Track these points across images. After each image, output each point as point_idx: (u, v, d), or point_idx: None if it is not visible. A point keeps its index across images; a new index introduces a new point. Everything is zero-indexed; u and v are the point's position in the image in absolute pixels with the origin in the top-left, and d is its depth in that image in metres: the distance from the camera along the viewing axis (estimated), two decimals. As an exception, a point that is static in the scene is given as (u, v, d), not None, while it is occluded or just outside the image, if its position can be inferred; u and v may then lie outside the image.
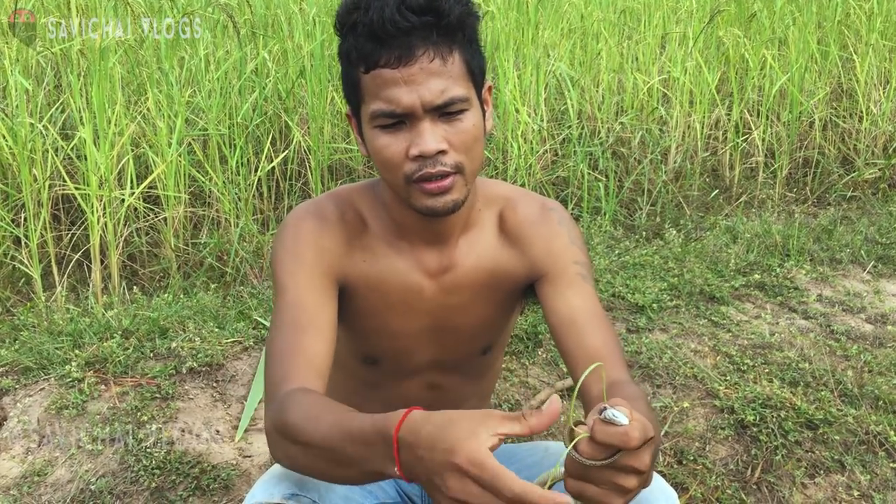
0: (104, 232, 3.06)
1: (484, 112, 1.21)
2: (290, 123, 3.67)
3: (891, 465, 2.20)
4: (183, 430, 2.18)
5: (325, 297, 1.23)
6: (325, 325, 1.20)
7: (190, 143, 3.48)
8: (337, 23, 1.17)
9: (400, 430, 0.86)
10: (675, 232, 3.65)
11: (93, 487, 1.97)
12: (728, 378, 2.48)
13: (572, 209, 3.80)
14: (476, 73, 1.18)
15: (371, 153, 1.19)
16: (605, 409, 0.84)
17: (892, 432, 2.26)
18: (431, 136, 1.13)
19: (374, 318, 1.33)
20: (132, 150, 3.29)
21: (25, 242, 2.99)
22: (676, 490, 2.04)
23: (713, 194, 4.13)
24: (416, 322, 1.34)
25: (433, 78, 1.12)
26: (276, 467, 1.22)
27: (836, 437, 2.25)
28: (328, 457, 0.97)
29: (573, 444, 0.85)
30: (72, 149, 3.25)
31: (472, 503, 0.80)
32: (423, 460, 0.83)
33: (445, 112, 1.14)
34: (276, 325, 1.20)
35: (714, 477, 2.11)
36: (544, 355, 2.61)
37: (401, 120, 1.14)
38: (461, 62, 1.15)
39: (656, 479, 1.24)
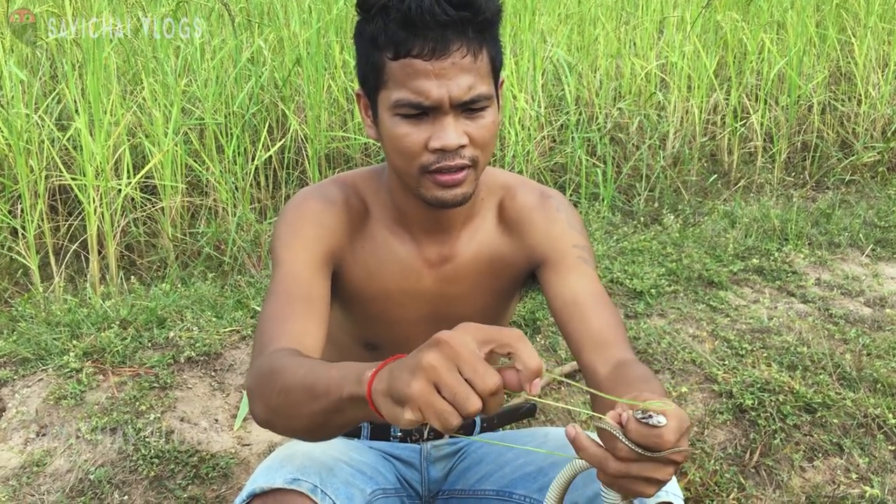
0: (101, 222, 3.05)
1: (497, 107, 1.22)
2: (287, 112, 3.66)
3: (889, 447, 2.20)
4: (181, 420, 2.18)
5: (319, 274, 1.23)
6: (317, 299, 1.20)
7: (186, 133, 3.47)
8: (362, 1, 1.15)
9: (389, 363, 0.86)
10: (673, 217, 3.65)
11: (92, 477, 1.97)
12: (726, 363, 2.48)
13: (570, 195, 3.79)
14: (497, 71, 1.19)
15: (386, 139, 1.18)
16: (649, 416, 0.83)
17: (890, 415, 2.27)
18: (454, 130, 1.13)
19: (372, 305, 1.34)
20: (128, 140, 3.29)
21: (22, 233, 2.99)
22: (675, 474, 2.04)
23: (711, 179, 4.12)
24: (415, 311, 1.34)
25: (463, 74, 1.12)
26: (277, 454, 1.22)
27: (835, 421, 2.26)
28: (307, 389, 0.96)
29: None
30: (68, 139, 3.25)
31: (444, 381, 0.78)
32: (403, 363, 0.82)
33: (469, 108, 1.14)
34: (270, 293, 1.21)
35: (713, 461, 2.11)
36: (542, 341, 2.61)
37: (424, 112, 1.13)
38: (488, 59, 1.16)
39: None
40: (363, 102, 1.23)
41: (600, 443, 0.87)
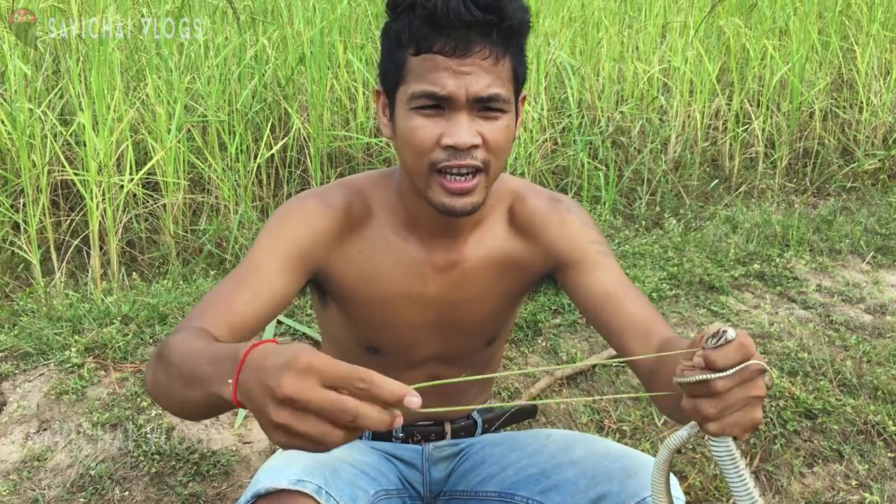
0: (103, 218, 3.05)
1: (516, 120, 1.22)
2: (290, 110, 3.66)
3: (889, 454, 2.21)
4: (183, 417, 2.18)
5: (286, 271, 1.22)
6: (268, 294, 1.19)
7: (189, 130, 3.47)
8: (391, 1, 1.16)
9: (252, 351, 0.81)
10: (674, 221, 3.65)
11: (92, 472, 1.97)
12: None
13: (572, 198, 3.79)
14: (518, 82, 1.19)
15: (400, 135, 1.18)
16: (721, 335, 0.83)
17: (890, 422, 2.27)
18: (467, 128, 1.13)
19: (371, 307, 1.33)
20: (131, 136, 3.28)
21: (24, 228, 2.98)
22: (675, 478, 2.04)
23: (713, 184, 4.13)
24: (420, 315, 1.34)
25: (483, 73, 1.12)
26: (280, 454, 1.22)
27: (835, 427, 2.26)
28: (183, 375, 0.94)
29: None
30: (70, 134, 3.24)
31: (303, 398, 0.74)
32: (263, 370, 0.78)
33: (485, 108, 1.14)
34: (228, 275, 1.21)
35: (712, 466, 2.12)
36: (544, 343, 2.61)
37: (439, 106, 1.13)
38: (510, 67, 1.16)
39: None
40: (382, 101, 1.23)
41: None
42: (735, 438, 0.86)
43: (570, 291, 1.31)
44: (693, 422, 0.91)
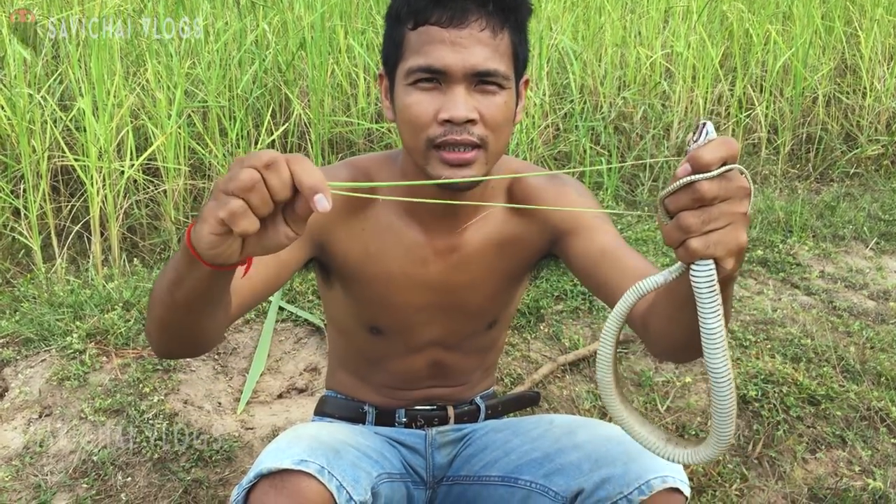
0: (104, 204, 3.04)
1: (517, 102, 1.21)
2: (291, 96, 3.64)
3: (892, 440, 2.20)
4: (185, 402, 2.17)
5: (291, 247, 1.20)
6: (273, 260, 1.19)
7: (189, 115, 3.45)
8: None
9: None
10: (677, 207, 3.64)
11: (95, 458, 1.97)
12: (730, 353, 2.48)
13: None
14: (519, 61, 1.19)
15: (398, 112, 1.18)
16: (703, 124, 0.81)
17: (893, 408, 2.27)
18: (464, 103, 1.12)
19: (373, 286, 1.33)
20: (131, 122, 3.27)
21: (25, 214, 2.97)
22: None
23: (715, 170, 4.11)
24: (421, 297, 1.34)
25: (480, 45, 1.12)
26: (283, 436, 1.22)
27: (838, 413, 2.26)
28: (159, 282, 0.97)
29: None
30: (71, 120, 3.23)
31: (237, 180, 0.76)
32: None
33: (482, 82, 1.13)
34: None
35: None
36: (546, 329, 2.60)
37: (436, 79, 1.13)
38: (509, 43, 1.16)
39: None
40: (384, 84, 1.23)
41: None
42: (717, 264, 0.82)
43: (569, 259, 1.30)
44: (672, 267, 0.88)
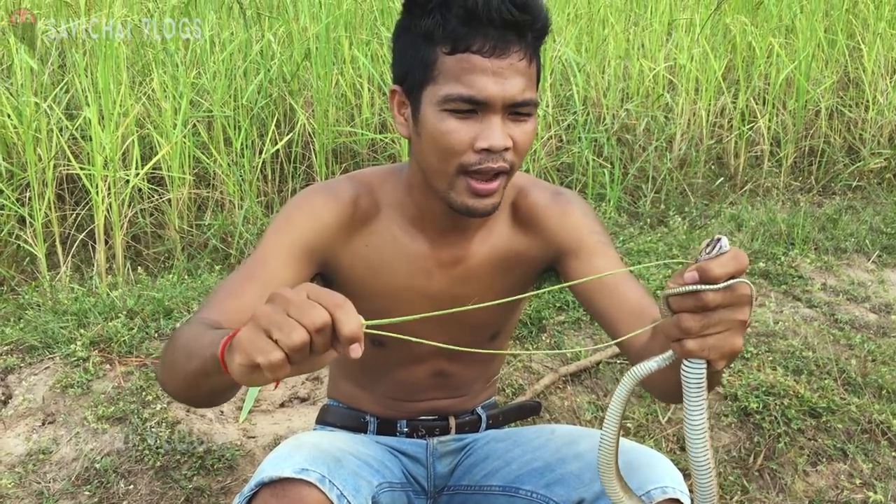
0: (109, 212, 3.05)
1: None
2: (295, 106, 3.66)
3: (893, 453, 2.20)
4: (187, 411, 2.18)
5: (294, 264, 1.24)
6: (277, 285, 1.18)
7: (194, 125, 3.47)
8: None
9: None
10: (679, 219, 3.65)
11: (97, 466, 1.97)
12: (732, 365, 2.48)
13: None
14: (538, 84, 1.21)
15: (427, 135, 1.17)
16: (718, 239, 0.83)
17: (894, 421, 2.27)
18: (501, 132, 1.14)
19: (376, 300, 1.33)
20: (137, 131, 3.29)
21: (30, 222, 2.99)
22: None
23: (718, 182, 4.12)
24: (423, 310, 1.34)
25: (518, 76, 1.13)
26: (284, 445, 1.23)
27: (839, 426, 2.26)
28: (187, 349, 1.00)
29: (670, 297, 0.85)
30: (76, 129, 3.25)
31: (271, 320, 0.79)
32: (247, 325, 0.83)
33: (516, 112, 1.15)
34: (237, 269, 1.23)
35: (717, 463, 2.12)
36: (548, 340, 2.61)
37: (474, 109, 1.14)
38: (535, 69, 1.18)
39: (664, 462, 1.24)
40: (398, 99, 1.22)
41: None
42: (709, 366, 0.85)
43: (568, 280, 1.32)
44: (665, 354, 0.90)
